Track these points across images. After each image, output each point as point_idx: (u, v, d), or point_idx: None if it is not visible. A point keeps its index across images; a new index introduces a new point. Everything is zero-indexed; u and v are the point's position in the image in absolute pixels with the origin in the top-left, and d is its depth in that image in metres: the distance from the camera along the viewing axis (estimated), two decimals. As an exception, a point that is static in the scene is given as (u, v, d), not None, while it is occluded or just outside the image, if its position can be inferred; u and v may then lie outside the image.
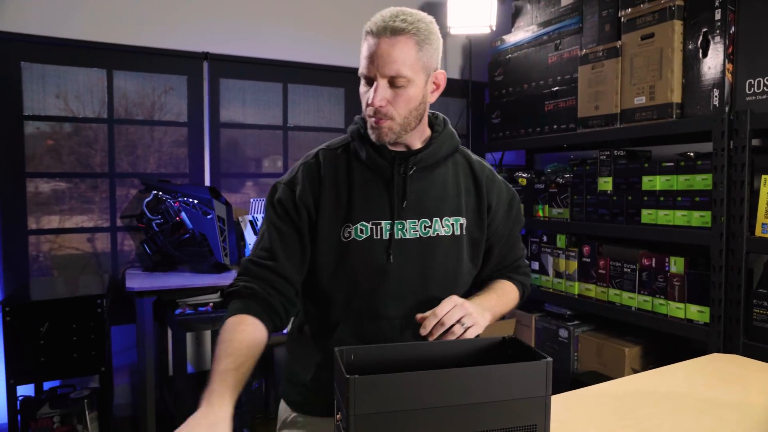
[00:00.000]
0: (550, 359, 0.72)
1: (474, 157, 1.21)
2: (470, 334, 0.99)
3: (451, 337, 0.97)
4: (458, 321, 0.98)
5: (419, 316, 1.01)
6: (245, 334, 0.96)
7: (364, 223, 1.06)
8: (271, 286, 1.04)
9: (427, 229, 1.09)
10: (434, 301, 1.08)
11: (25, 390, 2.36)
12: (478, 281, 1.23)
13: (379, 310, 1.08)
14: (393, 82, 1.00)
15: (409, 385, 0.67)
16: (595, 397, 1.09)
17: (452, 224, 1.11)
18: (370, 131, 1.05)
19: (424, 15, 1.05)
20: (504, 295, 1.19)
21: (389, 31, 0.99)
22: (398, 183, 1.08)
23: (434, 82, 1.08)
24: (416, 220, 1.09)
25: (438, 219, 1.10)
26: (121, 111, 2.85)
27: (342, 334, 1.08)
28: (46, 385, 2.47)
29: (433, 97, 1.09)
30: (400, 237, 1.07)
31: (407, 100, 1.02)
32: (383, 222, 1.07)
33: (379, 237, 1.06)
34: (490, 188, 1.17)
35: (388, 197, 1.08)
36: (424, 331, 0.98)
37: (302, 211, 1.07)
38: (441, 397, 0.68)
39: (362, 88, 1.05)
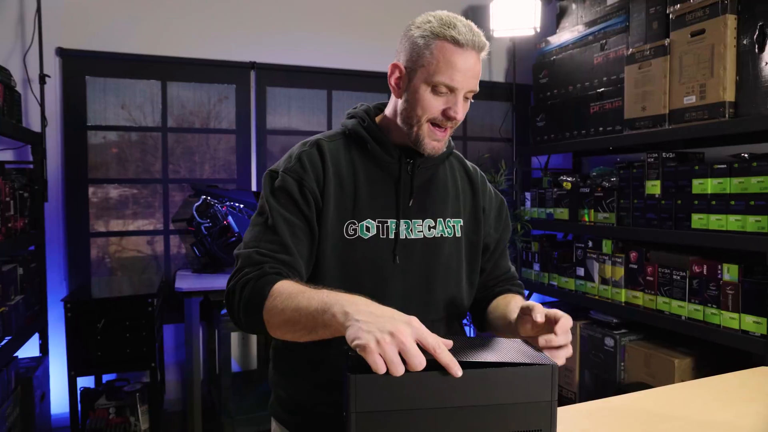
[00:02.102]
0: (555, 363, 0.70)
1: (464, 159, 1.20)
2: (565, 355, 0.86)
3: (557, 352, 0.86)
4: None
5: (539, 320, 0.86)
6: (303, 285, 0.87)
7: (370, 220, 1.02)
8: (295, 275, 0.94)
9: (432, 229, 1.07)
10: (436, 304, 1.06)
11: (86, 382, 2.52)
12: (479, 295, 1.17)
13: None
14: (466, 95, 0.99)
15: (411, 384, 0.67)
16: (624, 407, 1.05)
17: (453, 226, 1.09)
18: (426, 141, 1.00)
19: None
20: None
21: (478, 47, 0.97)
22: (405, 181, 1.05)
23: None
24: (421, 220, 1.06)
25: (441, 220, 1.08)
26: (180, 120, 3.00)
27: (342, 342, 0.97)
28: (105, 378, 2.63)
29: None
30: (405, 237, 1.04)
31: (466, 110, 1.02)
32: (389, 221, 1.03)
33: (385, 236, 1.03)
34: (483, 191, 1.16)
35: (396, 195, 1.04)
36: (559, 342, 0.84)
37: (311, 200, 1.00)
38: (443, 398, 0.68)
39: (428, 94, 0.98)
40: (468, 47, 0.95)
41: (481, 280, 1.16)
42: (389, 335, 0.67)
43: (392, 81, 1.03)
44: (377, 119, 1.10)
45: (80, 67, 2.79)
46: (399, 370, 0.66)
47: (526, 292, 3.32)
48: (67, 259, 2.78)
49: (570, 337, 0.85)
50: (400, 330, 0.68)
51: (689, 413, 1.01)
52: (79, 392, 2.33)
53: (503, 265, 1.20)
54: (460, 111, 0.98)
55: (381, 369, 0.66)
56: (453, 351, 0.71)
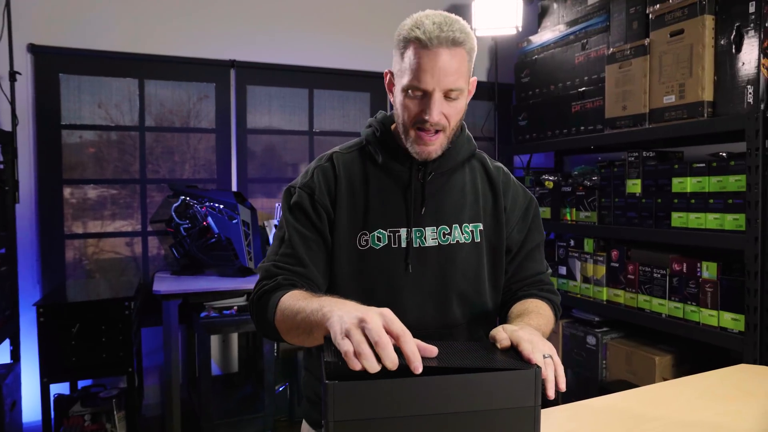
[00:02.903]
0: (539, 367, 0.69)
1: (490, 161, 1.16)
2: (560, 366, 0.78)
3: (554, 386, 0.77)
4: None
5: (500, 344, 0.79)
6: (309, 293, 0.91)
7: (382, 230, 1.03)
8: (308, 284, 0.99)
9: (446, 236, 1.05)
10: (454, 311, 1.05)
11: (61, 388, 2.45)
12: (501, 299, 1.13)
13: None
14: (447, 95, 0.96)
15: (389, 392, 0.65)
16: (608, 407, 1.04)
17: (471, 231, 1.07)
18: (414, 146, 1.00)
19: (464, 21, 1.00)
20: (542, 312, 1.04)
21: (449, 42, 0.93)
22: (416, 189, 1.04)
23: (468, 89, 1.04)
24: (435, 227, 1.04)
25: (457, 226, 1.06)
26: (159, 119, 2.94)
27: None
28: (81, 384, 2.56)
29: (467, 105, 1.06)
30: (418, 245, 1.03)
31: (458, 111, 0.99)
32: (401, 230, 1.03)
33: (397, 245, 1.03)
34: (505, 191, 1.12)
35: (405, 204, 1.04)
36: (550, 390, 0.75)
37: (322, 214, 1.03)
38: (423, 405, 0.66)
39: (405, 99, 0.97)
40: (434, 45, 0.92)
41: (504, 282, 1.13)
42: (357, 320, 0.69)
43: (386, 88, 1.05)
44: (393, 126, 1.09)
45: (53, 64, 2.71)
46: (363, 348, 0.65)
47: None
48: (41, 262, 2.70)
49: (540, 352, 0.75)
50: (369, 315, 0.69)
51: (673, 412, 1.00)
52: (52, 399, 2.26)
53: (530, 268, 1.14)
54: (435, 113, 0.95)
55: (349, 351, 0.65)
56: (439, 357, 0.69)
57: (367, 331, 0.67)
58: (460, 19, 0.99)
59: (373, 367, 0.65)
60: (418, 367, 0.65)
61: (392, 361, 0.65)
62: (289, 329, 0.89)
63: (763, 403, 1.03)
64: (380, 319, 0.69)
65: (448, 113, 0.97)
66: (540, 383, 0.68)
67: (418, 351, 0.67)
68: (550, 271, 1.18)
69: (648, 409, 1.02)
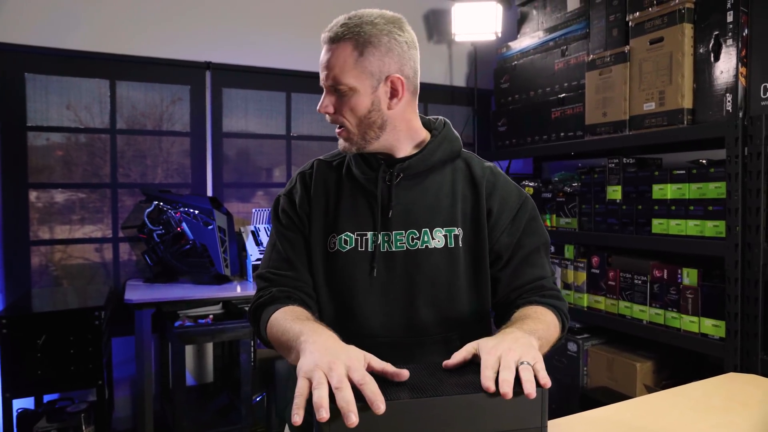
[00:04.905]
0: (545, 387, 0.66)
1: (477, 160, 1.10)
2: (541, 371, 0.71)
3: (528, 386, 0.68)
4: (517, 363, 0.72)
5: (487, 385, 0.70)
6: (299, 310, 0.95)
7: (349, 233, 1.03)
8: (302, 292, 1.03)
9: (415, 240, 1.01)
10: (423, 321, 1.02)
11: (25, 403, 2.33)
12: (498, 311, 1.07)
13: (364, 328, 1.01)
14: (336, 90, 0.98)
15: (389, 414, 0.61)
16: (600, 421, 1.02)
17: (445, 236, 1.02)
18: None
19: (377, 17, 0.98)
20: (542, 317, 0.95)
21: (329, 39, 0.99)
22: (383, 192, 1.03)
23: (391, 88, 0.99)
24: (403, 232, 1.02)
25: (428, 230, 1.02)
26: (131, 121, 2.84)
27: None
28: (46, 398, 2.44)
29: (393, 105, 1.00)
30: (386, 249, 1.02)
31: (352, 108, 0.98)
32: (368, 233, 1.03)
33: (363, 249, 1.02)
34: (490, 192, 1.05)
35: (372, 207, 1.03)
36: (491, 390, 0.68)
37: (304, 218, 1.07)
38: (424, 428, 0.62)
39: None
40: (325, 42, 0.99)
41: (502, 292, 1.05)
42: (320, 372, 0.68)
43: None
44: None
45: (19, 63, 2.59)
46: (322, 388, 0.65)
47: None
48: (4, 270, 2.57)
49: (497, 369, 0.69)
50: (336, 364, 0.69)
51: (669, 425, 0.98)
52: (15, 415, 2.14)
53: (528, 273, 1.04)
54: (321, 105, 1.00)
55: (302, 394, 0.67)
56: (439, 376, 0.66)
57: (330, 377, 0.67)
58: (370, 14, 0.99)
59: (321, 395, 0.64)
60: (379, 408, 0.63)
61: (345, 400, 0.63)
62: (278, 346, 0.92)
63: (758, 413, 1.02)
64: (343, 368, 0.69)
65: (339, 109, 1.00)
66: (546, 403, 0.65)
67: (378, 391, 0.65)
68: (554, 275, 1.14)
69: (643, 422, 1.00)
